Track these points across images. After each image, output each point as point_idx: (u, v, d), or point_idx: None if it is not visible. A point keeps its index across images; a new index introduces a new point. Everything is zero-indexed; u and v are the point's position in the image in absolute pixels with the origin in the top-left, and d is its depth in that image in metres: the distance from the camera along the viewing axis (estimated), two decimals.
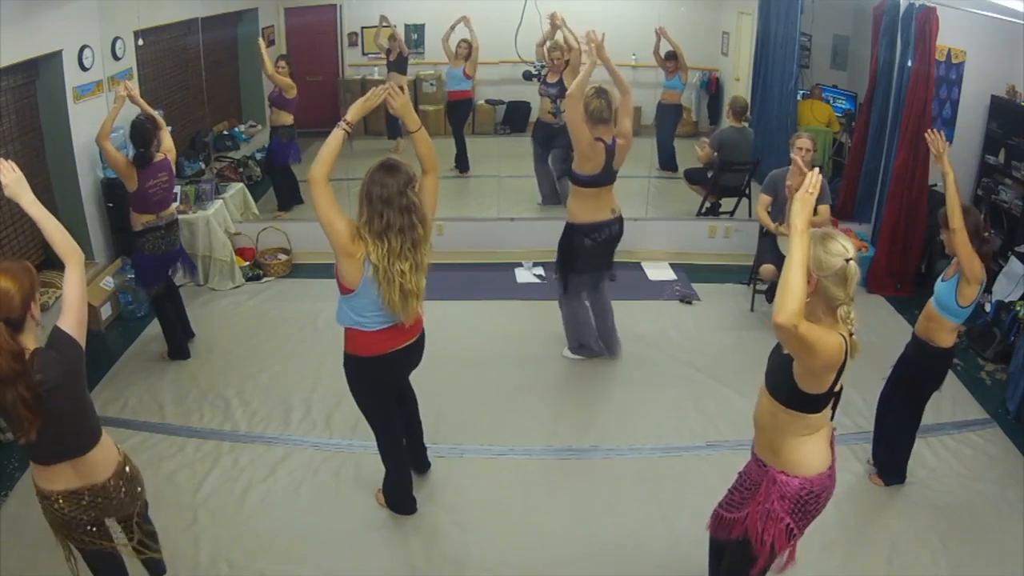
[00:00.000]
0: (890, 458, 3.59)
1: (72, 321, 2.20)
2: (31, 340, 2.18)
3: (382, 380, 3.07)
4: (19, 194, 2.28)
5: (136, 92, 4.35)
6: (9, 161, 2.30)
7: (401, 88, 2.95)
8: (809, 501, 2.32)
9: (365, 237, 2.74)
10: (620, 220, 4.30)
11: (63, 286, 2.26)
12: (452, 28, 7.16)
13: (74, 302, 2.21)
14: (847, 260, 2.12)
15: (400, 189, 2.70)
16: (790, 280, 2.04)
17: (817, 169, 2.22)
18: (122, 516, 2.53)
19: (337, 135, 2.78)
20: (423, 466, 3.61)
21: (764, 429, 2.40)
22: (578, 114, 3.95)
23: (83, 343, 2.22)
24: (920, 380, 3.41)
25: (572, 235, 4.26)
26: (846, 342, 2.17)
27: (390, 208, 2.69)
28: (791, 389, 2.24)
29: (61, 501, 2.33)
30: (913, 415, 3.48)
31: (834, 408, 2.33)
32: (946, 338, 3.26)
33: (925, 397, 3.46)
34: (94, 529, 2.43)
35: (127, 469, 2.45)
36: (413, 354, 3.09)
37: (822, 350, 2.10)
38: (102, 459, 2.36)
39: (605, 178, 4.13)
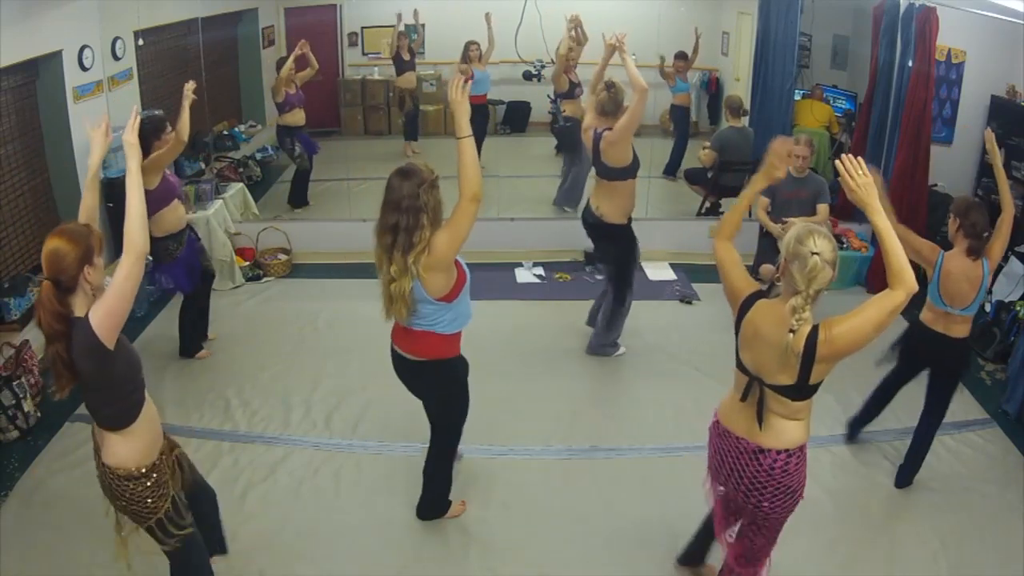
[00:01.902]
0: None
1: (99, 309, 2.11)
2: (82, 304, 2.16)
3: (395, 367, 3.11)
4: (131, 155, 2.27)
5: (187, 101, 4.14)
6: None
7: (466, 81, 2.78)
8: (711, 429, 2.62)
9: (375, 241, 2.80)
10: (594, 218, 4.45)
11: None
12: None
13: (108, 292, 2.12)
14: (813, 253, 2.18)
15: (409, 192, 2.67)
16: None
17: (854, 158, 2.24)
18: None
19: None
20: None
21: None
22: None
23: (106, 335, 2.11)
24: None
25: None
26: (751, 305, 2.36)
27: (396, 210, 2.70)
28: None
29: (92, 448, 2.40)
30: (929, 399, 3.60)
31: (759, 414, 2.34)
32: (924, 313, 3.45)
33: (936, 381, 3.57)
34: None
35: (126, 482, 2.35)
36: (401, 367, 3.04)
37: (724, 268, 2.57)
38: (120, 450, 2.32)
39: (594, 166, 4.44)
